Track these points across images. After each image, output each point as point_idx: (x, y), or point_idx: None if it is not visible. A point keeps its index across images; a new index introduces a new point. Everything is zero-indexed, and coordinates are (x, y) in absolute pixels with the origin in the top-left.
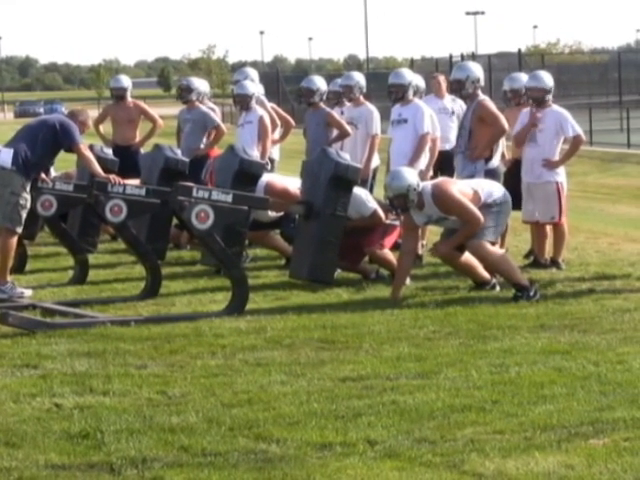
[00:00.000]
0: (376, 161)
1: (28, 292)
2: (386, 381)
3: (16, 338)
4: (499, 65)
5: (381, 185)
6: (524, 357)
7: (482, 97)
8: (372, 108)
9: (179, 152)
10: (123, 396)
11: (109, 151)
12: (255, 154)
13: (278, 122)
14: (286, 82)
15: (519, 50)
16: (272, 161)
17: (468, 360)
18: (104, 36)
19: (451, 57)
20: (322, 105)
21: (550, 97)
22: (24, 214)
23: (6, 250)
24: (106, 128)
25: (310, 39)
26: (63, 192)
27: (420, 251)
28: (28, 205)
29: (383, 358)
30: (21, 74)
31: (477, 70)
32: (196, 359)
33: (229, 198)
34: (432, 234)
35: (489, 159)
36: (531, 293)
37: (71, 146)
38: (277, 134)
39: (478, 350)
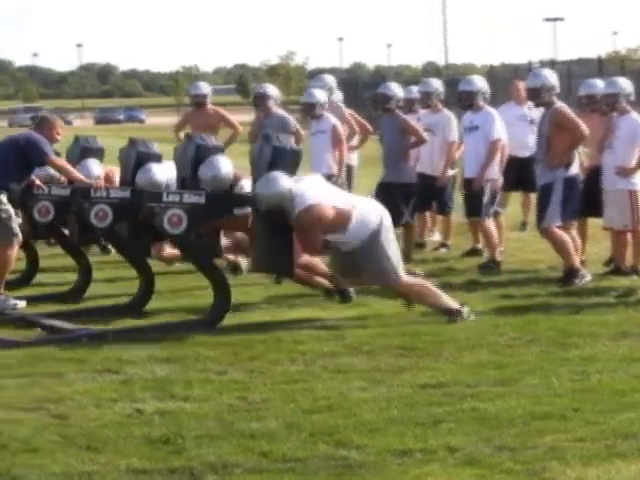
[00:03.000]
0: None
1: (22, 304)
2: (466, 388)
3: (98, 344)
4: (578, 72)
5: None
6: (605, 365)
7: (559, 104)
8: (449, 114)
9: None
10: (203, 402)
11: None
12: (332, 165)
13: (356, 129)
14: (365, 88)
15: (599, 56)
16: (351, 168)
17: (549, 367)
18: (183, 43)
19: (530, 64)
20: (397, 112)
21: (626, 103)
22: (13, 223)
23: (3, 263)
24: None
25: (389, 46)
26: (60, 197)
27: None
28: (12, 214)
29: (463, 365)
30: (101, 81)
31: (552, 78)
32: (276, 365)
33: (202, 200)
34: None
35: (568, 166)
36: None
37: (42, 161)
38: (355, 141)
39: (559, 357)
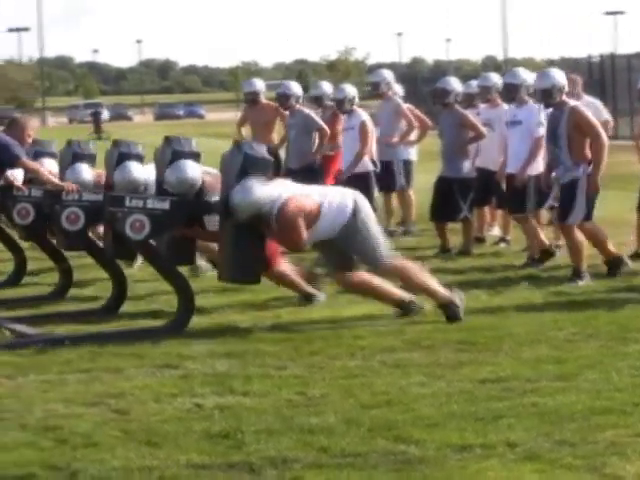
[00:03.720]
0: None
1: None
2: (526, 383)
3: (157, 339)
4: (638, 65)
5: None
6: None
7: (573, 102)
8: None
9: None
10: (263, 397)
11: None
12: (367, 162)
13: (415, 123)
14: (424, 83)
15: None
16: (410, 163)
17: (608, 362)
18: (242, 39)
19: (590, 57)
20: (456, 106)
21: None
22: None
23: None
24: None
25: (448, 40)
26: (40, 199)
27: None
28: None
29: (522, 360)
30: (161, 77)
31: (561, 77)
32: (335, 360)
33: (166, 205)
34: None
35: (590, 163)
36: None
37: (13, 163)
38: (414, 135)
39: (619, 352)
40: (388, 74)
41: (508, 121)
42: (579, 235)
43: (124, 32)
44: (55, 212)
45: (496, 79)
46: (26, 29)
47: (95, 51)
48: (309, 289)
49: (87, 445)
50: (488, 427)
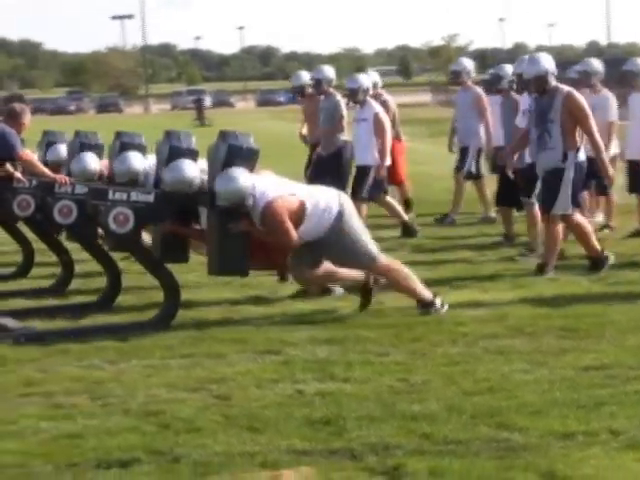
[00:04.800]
0: (615, 148)
1: None
2: (629, 370)
3: (259, 325)
4: None
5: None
6: None
7: (567, 88)
8: (609, 95)
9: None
10: (364, 383)
11: None
12: (374, 154)
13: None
14: None
15: None
16: (501, 149)
17: None
18: (344, 25)
19: None
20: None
21: None
22: None
23: None
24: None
25: (550, 25)
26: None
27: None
28: None
29: (626, 347)
30: (262, 63)
31: (551, 62)
32: (437, 347)
33: (150, 198)
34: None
35: (578, 150)
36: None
37: (11, 156)
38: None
39: None
40: (469, 63)
41: None
42: (559, 228)
43: (226, 19)
44: (47, 205)
45: (596, 65)
46: (129, 16)
47: (198, 38)
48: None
49: (189, 430)
50: (591, 415)
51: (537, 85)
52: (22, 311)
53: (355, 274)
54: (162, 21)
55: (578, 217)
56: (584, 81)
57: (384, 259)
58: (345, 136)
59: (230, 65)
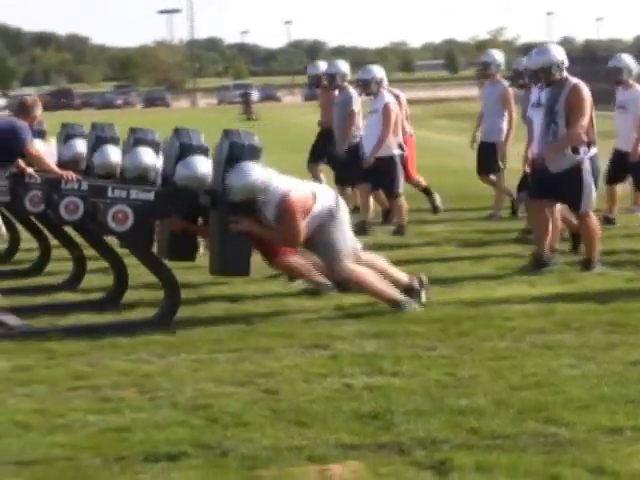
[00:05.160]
0: None
1: None
2: None
3: (307, 319)
4: None
5: None
6: None
7: (574, 80)
8: None
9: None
10: (412, 377)
11: None
12: (391, 145)
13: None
14: (574, 63)
15: None
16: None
17: None
18: (392, 18)
19: None
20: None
21: None
22: None
23: None
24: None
25: (599, 19)
26: None
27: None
28: None
29: None
30: (310, 57)
31: (560, 53)
32: (485, 341)
33: (151, 196)
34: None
35: (590, 144)
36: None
37: (21, 150)
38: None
39: None
40: (499, 56)
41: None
42: (596, 223)
43: (273, 13)
44: (53, 201)
45: (627, 60)
46: (176, 11)
47: (245, 32)
48: (320, 279)
49: (237, 424)
50: (639, 410)
51: (542, 76)
52: (28, 308)
53: (386, 292)
54: (209, 15)
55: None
56: (615, 76)
57: (351, 266)
58: (360, 131)
59: (277, 59)
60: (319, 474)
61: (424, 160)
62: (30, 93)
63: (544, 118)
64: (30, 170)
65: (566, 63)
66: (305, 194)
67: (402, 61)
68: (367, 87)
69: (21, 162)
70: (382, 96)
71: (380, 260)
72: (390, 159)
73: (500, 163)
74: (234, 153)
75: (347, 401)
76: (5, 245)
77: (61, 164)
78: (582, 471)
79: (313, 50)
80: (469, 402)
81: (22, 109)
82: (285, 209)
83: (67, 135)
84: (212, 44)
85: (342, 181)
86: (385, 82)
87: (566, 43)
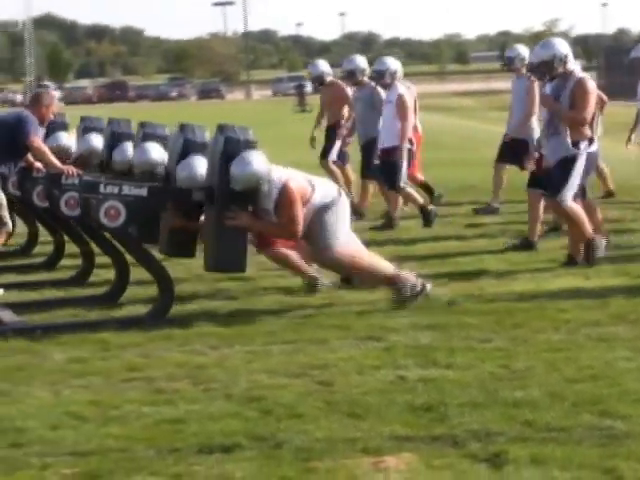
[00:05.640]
0: None
1: None
2: None
3: (361, 311)
4: None
5: None
6: None
7: (581, 74)
8: None
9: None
10: (466, 369)
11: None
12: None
13: (604, 98)
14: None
15: None
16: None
17: None
18: (446, 10)
19: None
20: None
21: None
22: (3, 212)
23: None
24: None
25: None
26: None
27: None
28: (3, 202)
29: None
30: (363, 50)
31: (563, 47)
32: (539, 333)
33: (144, 192)
34: None
35: (591, 140)
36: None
37: (25, 142)
38: None
39: None
40: (523, 50)
41: None
42: (575, 207)
43: (328, 5)
44: (53, 196)
45: None
46: (231, 3)
47: (299, 24)
48: (313, 273)
49: (291, 416)
50: None
51: (543, 70)
52: (28, 303)
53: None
54: (263, 7)
55: (573, 205)
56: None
57: (340, 255)
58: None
59: (331, 51)
60: (373, 466)
61: (473, 154)
62: (85, 85)
63: (548, 111)
64: (38, 164)
65: (570, 57)
66: (303, 183)
67: (456, 53)
68: (381, 78)
69: (30, 156)
70: (396, 87)
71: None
72: (395, 150)
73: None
74: (229, 148)
75: (401, 393)
76: (23, 239)
77: (75, 157)
78: (637, 464)
79: (367, 42)
80: (524, 394)
81: (32, 101)
82: (285, 197)
83: (85, 128)
84: (266, 36)
85: (367, 175)
86: (399, 74)
87: (621, 34)
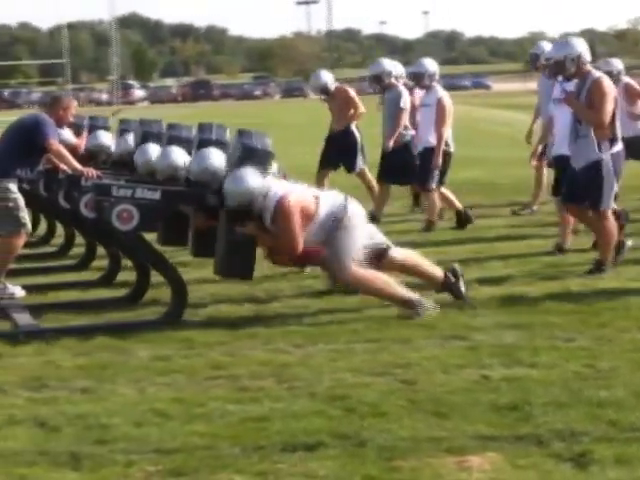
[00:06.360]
0: None
1: (20, 293)
2: None
3: (445, 310)
4: None
5: None
6: None
7: (597, 74)
8: None
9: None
10: (550, 369)
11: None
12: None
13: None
14: None
15: None
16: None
17: None
18: (530, 8)
19: None
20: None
21: None
22: (22, 213)
23: (7, 250)
24: None
25: None
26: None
27: None
28: (21, 204)
29: None
30: (447, 48)
31: (578, 46)
32: (624, 333)
33: (157, 195)
34: None
35: (613, 141)
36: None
37: (43, 144)
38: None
39: None
40: (549, 48)
41: None
42: (613, 223)
43: (411, 3)
44: (72, 198)
45: None
46: (315, 1)
47: (382, 23)
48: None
49: (375, 415)
50: None
51: (555, 70)
52: (45, 305)
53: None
54: (347, 6)
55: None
56: None
57: (357, 272)
58: (410, 130)
59: (414, 50)
60: (457, 466)
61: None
62: (170, 84)
63: (572, 114)
64: (63, 166)
65: (586, 57)
66: (306, 198)
67: None
68: (420, 81)
69: (53, 158)
70: (435, 90)
71: (414, 255)
72: (430, 152)
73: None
74: (244, 155)
75: (485, 392)
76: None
77: (82, 153)
78: None
79: (450, 40)
80: (608, 394)
81: (50, 104)
82: (281, 212)
83: (91, 126)
84: (350, 35)
85: (385, 179)
86: (437, 75)
87: None
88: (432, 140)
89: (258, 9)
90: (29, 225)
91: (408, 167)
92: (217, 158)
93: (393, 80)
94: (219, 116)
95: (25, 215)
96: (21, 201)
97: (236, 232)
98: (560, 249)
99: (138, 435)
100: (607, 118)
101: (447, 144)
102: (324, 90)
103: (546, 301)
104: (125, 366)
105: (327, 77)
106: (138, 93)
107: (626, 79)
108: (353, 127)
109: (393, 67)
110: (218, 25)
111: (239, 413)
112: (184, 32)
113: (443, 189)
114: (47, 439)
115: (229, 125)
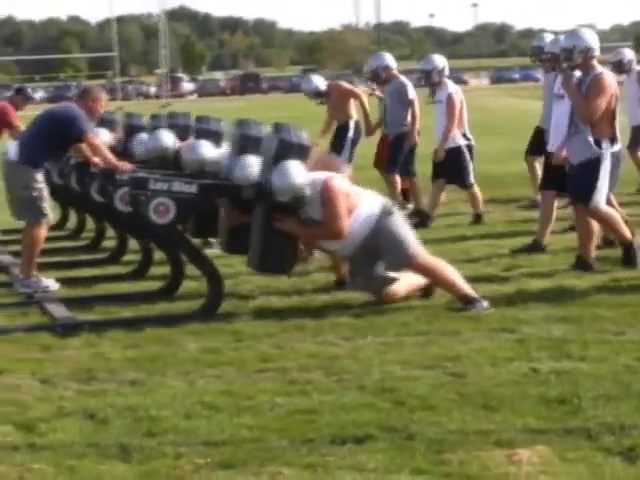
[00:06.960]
0: None
1: (54, 286)
2: None
3: (494, 302)
4: None
5: None
6: None
7: (600, 70)
8: None
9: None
10: (600, 362)
11: None
12: (457, 137)
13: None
14: None
15: None
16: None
17: None
18: (581, 0)
19: None
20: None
21: None
22: (44, 204)
23: (31, 242)
24: None
25: None
26: None
27: None
28: (45, 194)
29: None
30: (496, 41)
31: (588, 39)
32: None
33: (193, 189)
34: None
35: (613, 139)
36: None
37: (80, 137)
38: None
39: None
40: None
41: None
42: (606, 210)
43: None
44: (107, 192)
45: None
46: None
47: (431, 15)
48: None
49: (424, 407)
50: None
51: (559, 58)
52: (82, 298)
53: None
54: None
55: (607, 209)
56: None
57: (428, 258)
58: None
59: (463, 42)
60: (506, 459)
61: None
62: (218, 77)
63: (571, 108)
64: (96, 159)
65: (594, 51)
66: (348, 187)
67: None
68: (429, 77)
69: (86, 150)
70: (445, 86)
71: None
72: (456, 150)
73: None
74: (282, 150)
75: (534, 386)
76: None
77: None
78: None
79: (500, 33)
80: None
81: (80, 95)
82: (327, 193)
83: (129, 125)
84: (398, 27)
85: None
86: (447, 71)
87: None
88: (457, 139)
89: (306, 2)
90: (50, 216)
91: (406, 158)
92: (207, 150)
93: (394, 72)
94: (267, 108)
95: (47, 205)
96: (45, 191)
97: (273, 227)
98: (537, 244)
99: (187, 427)
100: (596, 111)
101: (467, 138)
102: (317, 94)
103: (595, 294)
104: (174, 358)
105: (317, 80)
106: (187, 86)
107: (638, 67)
108: (351, 123)
109: (391, 61)
110: (267, 18)
111: (288, 406)
112: (233, 25)
113: (415, 180)
114: (96, 431)
115: (277, 118)
